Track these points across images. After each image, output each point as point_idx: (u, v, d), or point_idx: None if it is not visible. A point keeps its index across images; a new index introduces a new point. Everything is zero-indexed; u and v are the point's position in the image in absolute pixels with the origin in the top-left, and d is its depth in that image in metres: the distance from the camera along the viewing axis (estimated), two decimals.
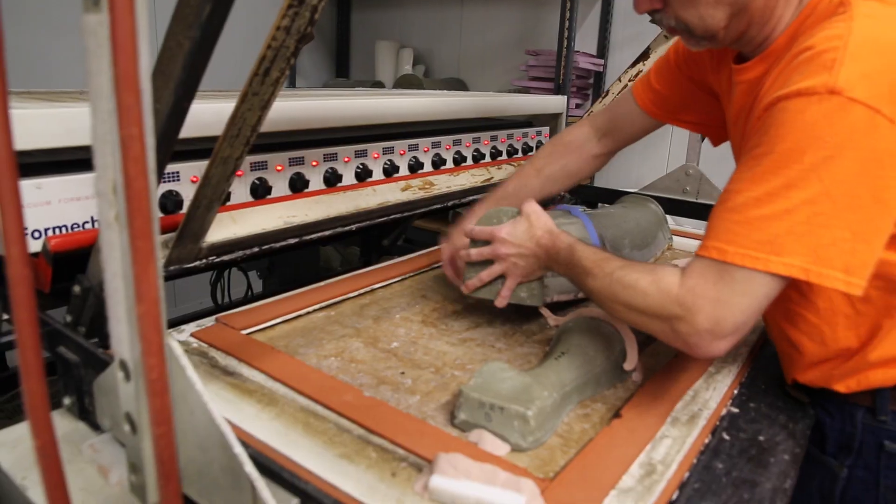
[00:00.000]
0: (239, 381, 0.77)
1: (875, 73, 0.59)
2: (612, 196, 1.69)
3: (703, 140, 1.68)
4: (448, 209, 1.37)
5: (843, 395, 0.76)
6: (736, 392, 0.81)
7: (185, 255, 0.88)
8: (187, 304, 3.17)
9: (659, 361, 0.87)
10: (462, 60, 3.09)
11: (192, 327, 0.91)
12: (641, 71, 1.46)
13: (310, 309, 1.00)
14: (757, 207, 0.61)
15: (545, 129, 1.81)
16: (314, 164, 1.15)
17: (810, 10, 0.71)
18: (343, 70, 3.46)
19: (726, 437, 0.71)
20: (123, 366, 0.51)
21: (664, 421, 0.71)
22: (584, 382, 0.77)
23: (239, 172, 1.03)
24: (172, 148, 0.70)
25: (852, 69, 0.59)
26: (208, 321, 0.94)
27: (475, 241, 0.94)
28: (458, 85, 2.96)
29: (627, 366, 0.81)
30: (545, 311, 0.94)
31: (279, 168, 1.09)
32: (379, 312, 1.01)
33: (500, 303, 0.92)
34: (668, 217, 1.72)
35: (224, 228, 0.93)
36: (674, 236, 1.48)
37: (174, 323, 0.95)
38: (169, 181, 0.96)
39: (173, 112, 0.64)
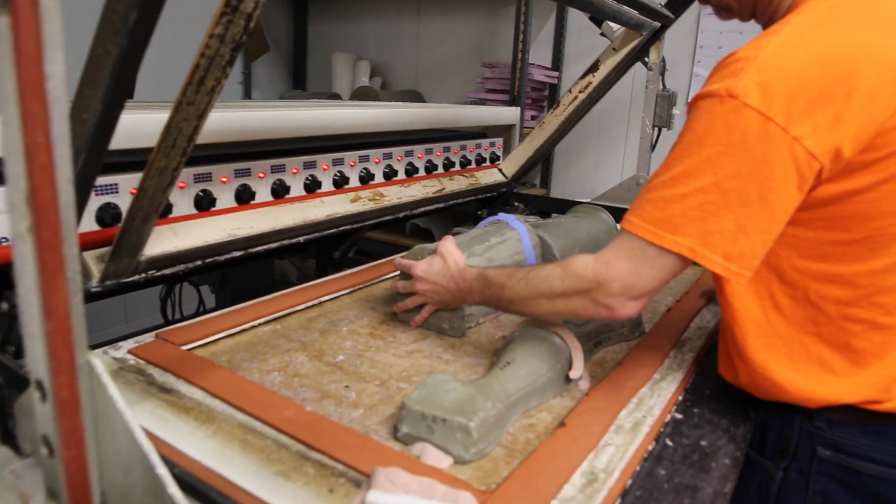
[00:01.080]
0: (176, 398, 0.74)
1: (773, 84, 0.63)
2: (565, 206, 1.70)
3: (653, 149, 1.71)
4: (400, 220, 1.36)
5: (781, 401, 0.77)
6: (680, 398, 0.82)
7: (121, 269, 0.85)
8: (140, 319, 3.09)
9: (605, 369, 0.88)
10: (419, 72, 3.10)
11: (130, 343, 0.88)
12: (591, 83, 1.48)
13: (255, 323, 0.98)
14: (662, 189, 0.68)
15: (499, 140, 1.82)
16: (261, 175, 1.13)
17: (799, 3, 0.73)
18: (300, 82, 3.43)
19: (669, 443, 0.71)
20: (39, 385, 0.48)
21: (608, 429, 0.71)
22: (530, 392, 0.76)
23: (182, 184, 1.01)
24: (103, 158, 0.67)
25: (752, 78, 0.63)
26: (148, 337, 0.91)
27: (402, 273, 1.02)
28: (415, 97, 2.96)
29: (573, 374, 0.81)
30: (492, 323, 0.93)
31: (224, 180, 1.07)
32: (326, 325, 1.00)
33: (414, 324, 1.01)
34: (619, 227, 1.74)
35: (164, 241, 0.91)
36: None
37: (119, 339, 0.92)
38: (106, 193, 0.93)
39: (102, 122, 0.62)
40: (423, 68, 3.08)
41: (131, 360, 0.84)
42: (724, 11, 0.87)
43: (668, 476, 0.66)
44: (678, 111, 1.66)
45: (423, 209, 1.40)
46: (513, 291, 0.81)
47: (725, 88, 0.64)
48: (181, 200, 1.01)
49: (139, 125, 0.93)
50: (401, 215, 1.34)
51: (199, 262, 0.97)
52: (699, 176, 0.65)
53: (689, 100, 0.70)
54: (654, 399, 0.79)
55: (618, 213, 1.65)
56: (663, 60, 1.63)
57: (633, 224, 0.69)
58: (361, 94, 2.76)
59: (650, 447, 0.70)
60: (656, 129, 1.64)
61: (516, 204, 1.82)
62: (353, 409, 0.76)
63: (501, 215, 1.16)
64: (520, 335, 0.84)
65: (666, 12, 1.36)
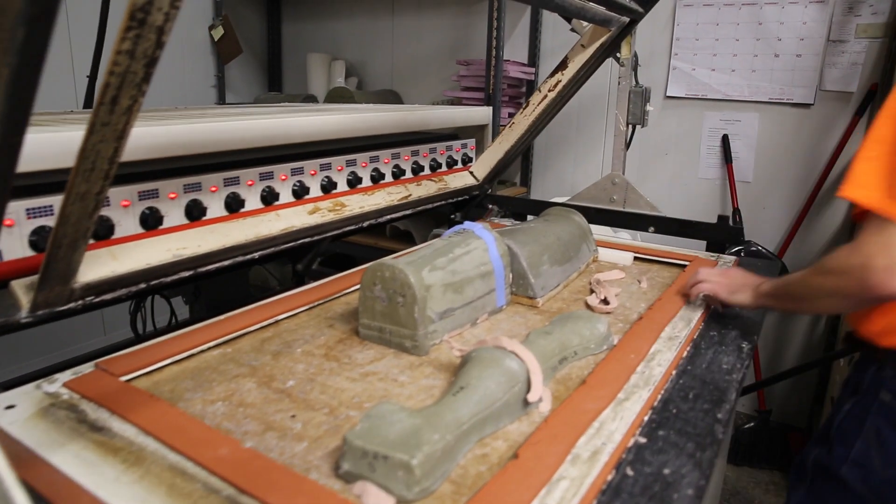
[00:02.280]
0: (106, 437, 0.70)
1: None
2: (540, 207, 1.66)
3: (627, 147, 1.67)
4: (365, 230, 1.32)
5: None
6: (646, 419, 0.77)
7: (53, 298, 0.80)
8: (122, 329, 3.03)
9: (568, 388, 0.84)
10: (395, 71, 3.04)
11: (67, 375, 0.83)
12: (560, 81, 1.44)
13: (204, 346, 0.93)
14: None
15: (471, 142, 1.78)
16: (213, 189, 1.08)
17: None
18: (276, 83, 3.38)
19: (630, 472, 0.67)
20: None
21: (563, 459, 0.67)
22: (484, 419, 0.72)
23: (125, 202, 0.96)
24: (10, 185, 0.62)
25: None
26: (89, 367, 0.86)
27: None
28: (391, 97, 2.91)
29: (531, 397, 0.77)
30: (449, 341, 0.89)
31: (173, 196, 1.02)
32: (280, 347, 0.95)
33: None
34: (601, 227, 1.71)
35: (101, 266, 0.86)
36: (599, 248, 1.45)
37: (68, 365, 0.87)
38: (40, 216, 0.88)
39: (1, 148, 0.57)
40: (399, 67, 3.02)
41: (65, 394, 0.79)
42: None
43: None
44: (652, 107, 1.62)
45: (388, 217, 1.35)
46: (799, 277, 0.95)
47: None
48: (125, 220, 0.96)
49: (74, 143, 0.88)
50: (365, 224, 1.30)
51: (143, 285, 0.92)
52: None
53: None
54: (616, 422, 0.75)
55: (591, 214, 1.61)
56: (636, 55, 1.59)
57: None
58: (336, 96, 2.71)
59: (609, 478, 0.65)
60: (630, 126, 1.60)
61: (490, 206, 1.78)
62: (296, 443, 0.71)
63: (467, 224, 1.11)
64: (475, 356, 0.80)
65: (635, 6, 1.32)
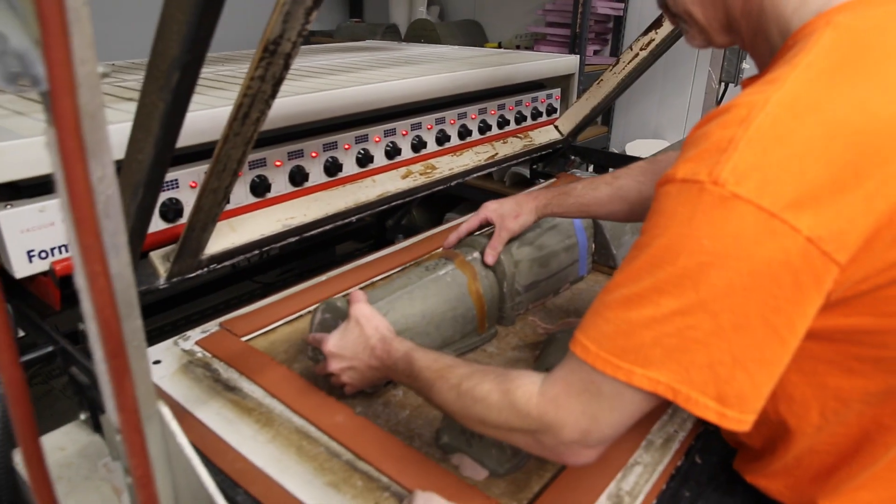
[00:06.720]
0: (239, 397, 0.82)
1: (775, 166, 0.47)
2: (622, 161, 1.66)
3: (725, 85, 1.61)
4: (452, 189, 1.38)
5: None
6: None
7: (185, 268, 0.91)
8: None
9: None
10: (478, 1, 2.97)
11: (197, 334, 0.96)
12: (653, 40, 1.40)
13: (312, 308, 1.04)
14: (626, 308, 0.51)
15: (556, 91, 1.77)
16: (314, 155, 1.16)
17: (803, 33, 0.57)
18: (357, 11, 3.36)
19: (699, 460, 0.74)
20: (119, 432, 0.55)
21: (636, 449, 0.74)
22: None
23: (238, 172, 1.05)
24: (159, 192, 0.72)
25: (744, 157, 0.47)
26: (213, 325, 0.98)
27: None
28: (473, 28, 2.87)
29: None
30: (535, 320, 0.96)
31: (278, 163, 1.10)
32: None
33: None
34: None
35: (223, 238, 0.96)
36: None
37: (191, 320, 0.98)
38: (168, 189, 0.98)
39: (155, 162, 0.66)
40: None
41: (199, 352, 0.91)
42: (695, 31, 0.67)
43: None
44: (748, 65, 1.55)
45: (475, 175, 1.40)
46: (442, 399, 0.65)
47: (707, 172, 0.48)
48: (238, 188, 1.05)
49: (194, 123, 0.96)
50: (453, 183, 1.35)
51: (255, 252, 1.02)
52: (677, 293, 0.49)
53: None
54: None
55: None
56: None
57: (589, 352, 0.52)
58: (418, 27, 2.70)
59: (679, 463, 0.72)
60: (723, 84, 1.55)
61: (573, 157, 1.79)
62: (399, 410, 0.81)
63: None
64: (561, 339, 0.87)
65: None
